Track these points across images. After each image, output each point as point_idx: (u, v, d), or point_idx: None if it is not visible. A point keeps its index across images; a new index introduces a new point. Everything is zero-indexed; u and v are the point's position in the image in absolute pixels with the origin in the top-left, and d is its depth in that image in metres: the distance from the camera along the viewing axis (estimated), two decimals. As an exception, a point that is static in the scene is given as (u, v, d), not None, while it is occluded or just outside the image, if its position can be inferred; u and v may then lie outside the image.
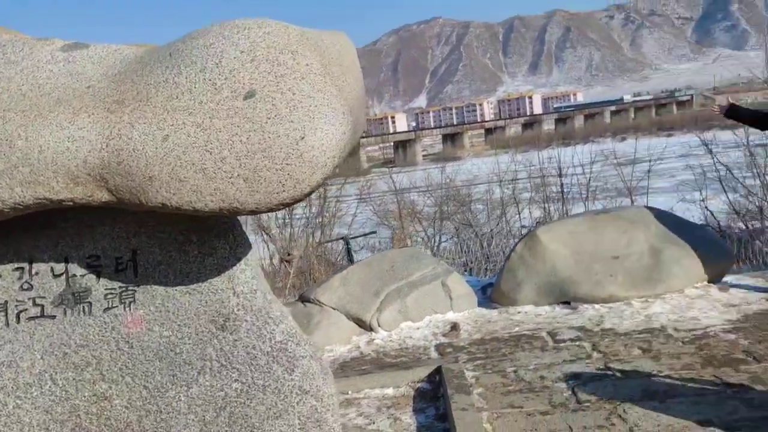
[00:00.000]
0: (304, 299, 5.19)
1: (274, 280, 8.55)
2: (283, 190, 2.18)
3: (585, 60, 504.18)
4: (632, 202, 14.97)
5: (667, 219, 5.53)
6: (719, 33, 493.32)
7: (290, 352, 2.73)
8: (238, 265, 2.70)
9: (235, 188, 2.17)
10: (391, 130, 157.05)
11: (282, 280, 8.26)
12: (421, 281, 5.15)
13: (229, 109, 2.19)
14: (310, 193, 2.26)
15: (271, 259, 11.31)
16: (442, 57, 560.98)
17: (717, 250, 5.42)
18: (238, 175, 2.16)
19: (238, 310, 2.68)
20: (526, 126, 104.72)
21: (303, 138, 2.17)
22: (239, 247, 2.72)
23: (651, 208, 5.81)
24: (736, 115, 5.51)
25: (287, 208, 14.13)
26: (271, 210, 2.27)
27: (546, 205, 15.61)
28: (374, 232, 13.58)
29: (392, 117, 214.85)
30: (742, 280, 5.42)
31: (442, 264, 5.55)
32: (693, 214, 14.82)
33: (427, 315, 5.09)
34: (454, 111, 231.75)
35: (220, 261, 2.67)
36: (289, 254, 8.89)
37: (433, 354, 4.51)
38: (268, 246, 12.51)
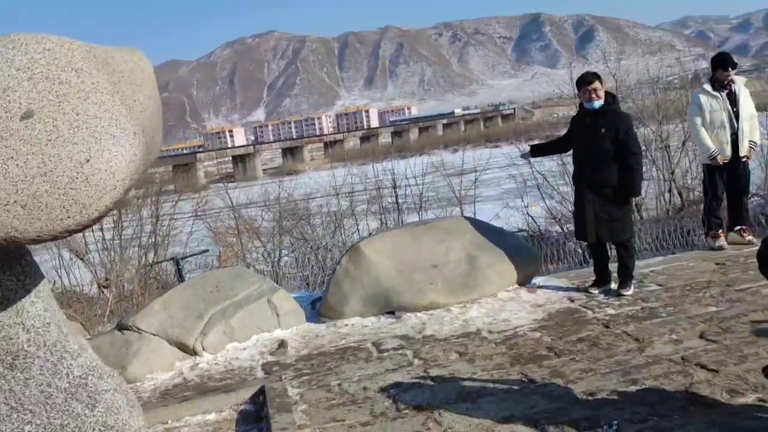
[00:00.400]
0: (122, 327, 4.90)
1: (93, 307, 8.02)
2: (68, 216, 2.05)
3: (418, 75, 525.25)
4: (462, 211, 15.77)
5: (481, 227, 5.89)
6: (535, 52, 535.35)
7: (91, 387, 2.57)
8: (27, 297, 2.50)
9: (11, 216, 2.01)
10: (230, 144, 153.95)
11: (101, 307, 7.76)
12: (247, 300, 5.07)
13: (2, 131, 2.03)
14: (99, 218, 2.15)
15: (93, 285, 10.60)
16: (279, 71, 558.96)
17: (526, 254, 5.85)
18: (14, 202, 2.00)
19: (29, 346, 2.48)
20: (364, 139, 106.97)
21: (88, 161, 2.06)
22: (28, 279, 2.52)
23: (467, 218, 6.18)
24: (540, 152, 6.11)
25: (116, 228, 13.31)
26: (55, 238, 2.13)
27: (382, 216, 16.04)
28: (207, 251, 13.17)
29: (230, 131, 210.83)
30: (548, 282, 5.89)
31: (268, 281, 5.50)
32: (516, 219, 15.91)
33: (254, 334, 5.01)
34: (293, 125, 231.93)
35: (6, 294, 2.46)
36: (106, 279, 8.36)
37: (260, 374, 4.45)
38: (96, 271, 11.74)
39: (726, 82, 6.25)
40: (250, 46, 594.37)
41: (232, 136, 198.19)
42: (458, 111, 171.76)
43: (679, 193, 13.43)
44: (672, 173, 13.58)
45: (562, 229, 13.53)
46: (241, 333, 4.95)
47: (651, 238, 10.49)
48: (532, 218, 14.70)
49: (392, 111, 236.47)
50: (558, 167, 13.95)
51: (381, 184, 17.20)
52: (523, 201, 15.36)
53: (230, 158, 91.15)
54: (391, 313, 5.27)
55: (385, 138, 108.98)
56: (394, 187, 16.57)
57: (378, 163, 21.59)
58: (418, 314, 5.16)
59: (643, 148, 14.34)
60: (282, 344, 4.88)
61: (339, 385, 4.05)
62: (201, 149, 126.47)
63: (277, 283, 11.53)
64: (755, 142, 6.35)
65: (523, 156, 6.34)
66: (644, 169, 14.15)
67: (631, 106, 16.99)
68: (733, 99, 6.22)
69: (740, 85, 6.30)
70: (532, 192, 15.15)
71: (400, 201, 16.47)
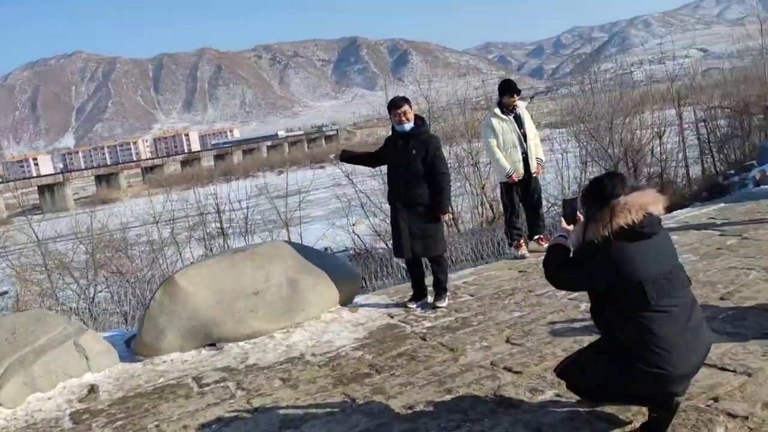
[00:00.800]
0: None
1: None
2: None
3: (238, 97, 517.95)
4: (288, 233, 15.73)
5: (302, 250, 5.90)
6: (354, 75, 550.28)
7: None
8: None
9: None
10: (35, 173, 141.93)
11: None
12: (50, 345, 4.64)
13: None
14: None
15: None
16: (88, 94, 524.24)
17: (347, 274, 5.94)
18: None
19: None
20: (186, 163, 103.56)
21: None
22: None
23: (287, 242, 6.17)
24: (349, 159, 6.28)
25: None
26: None
27: (207, 243, 15.55)
28: (6, 292, 11.97)
29: (34, 159, 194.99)
30: (369, 300, 6.04)
31: (74, 322, 5.09)
32: (343, 238, 16.17)
33: (59, 381, 4.60)
34: (107, 150, 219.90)
35: None
36: None
37: (68, 424, 4.09)
38: None
39: (512, 107, 6.89)
40: (53, 67, 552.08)
41: (36, 164, 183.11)
42: (282, 133, 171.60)
43: (490, 206, 14.42)
44: (482, 188, 14.55)
45: (386, 245, 13.94)
46: (44, 381, 4.52)
47: (468, 250, 11.15)
48: (358, 236, 15.03)
49: (214, 134, 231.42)
50: (380, 186, 14.43)
51: (204, 209, 16.73)
52: (348, 220, 15.69)
53: (36, 188, 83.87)
54: (213, 345, 5.11)
55: (207, 161, 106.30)
56: (218, 212, 16.19)
57: (201, 187, 21.02)
58: (241, 344, 5.05)
59: (456, 165, 15.31)
60: (93, 389, 4.54)
61: (157, 426, 3.84)
62: (0, 180, 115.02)
63: (93, 321, 10.76)
64: (541, 159, 7.09)
65: (335, 157, 6.47)
66: (458, 184, 15.06)
67: (443, 125, 17.99)
68: (519, 121, 6.88)
69: (523, 108, 6.98)
70: (357, 210, 15.52)
71: (225, 226, 16.10)
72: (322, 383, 4.17)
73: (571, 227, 3.10)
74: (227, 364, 4.76)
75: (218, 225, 16.10)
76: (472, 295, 5.77)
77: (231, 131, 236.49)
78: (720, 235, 6.70)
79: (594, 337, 3.61)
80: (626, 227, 2.73)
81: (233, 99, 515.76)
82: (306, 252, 5.86)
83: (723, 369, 3.48)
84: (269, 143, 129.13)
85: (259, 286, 5.29)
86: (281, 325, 5.21)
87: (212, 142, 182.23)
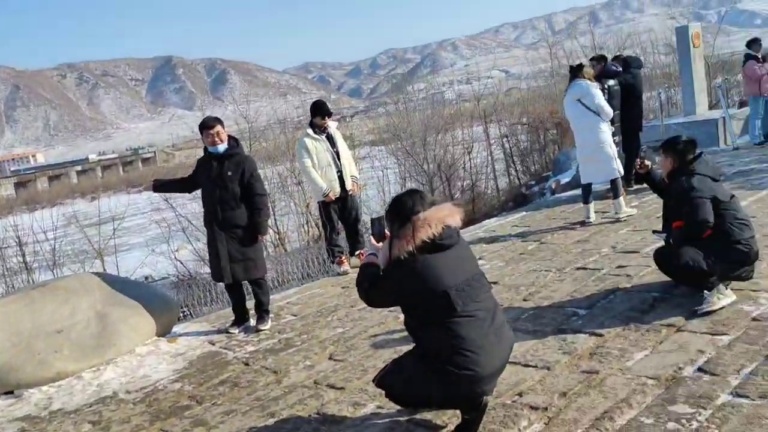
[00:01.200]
0: None
1: None
2: None
3: (41, 119, 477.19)
4: (103, 263, 14.71)
5: (112, 281, 5.53)
6: (170, 94, 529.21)
7: None
8: None
9: None
10: None
11: None
12: None
13: None
14: None
15: None
16: None
17: (163, 303, 5.66)
18: None
19: None
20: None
21: None
22: None
23: (95, 273, 5.75)
24: (162, 188, 6.03)
25: None
26: None
27: (8, 279, 14.13)
28: None
29: None
30: (189, 329, 5.79)
31: None
32: (165, 265, 15.43)
33: None
34: None
35: None
36: None
37: None
38: None
39: (324, 127, 7.04)
40: None
41: None
42: (93, 156, 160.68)
43: (316, 224, 14.53)
44: (308, 206, 14.64)
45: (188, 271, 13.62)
46: None
47: (295, 269, 11.11)
48: (181, 262, 14.44)
49: (14, 159, 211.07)
50: (202, 209, 13.99)
51: (3, 242, 15.21)
52: (170, 246, 15.01)
53: None
54: (10, 392, 4.61)
55: (6, 190, 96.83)
56: (20, 244, 14.80)
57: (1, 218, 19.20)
58: (44, 388, 4.60)
59: (280, 184, 15.25)
60: None
61: (-60, 493, 3.39)
62: None
63: None
64: (356, 176, 7.30)
65: (147, 189, 6.22)
66: (283, 203, 14.98)
67: (264, 145, 17.87)
68: (331, 141, 7.04)
69: (334, 128, 7.16)
70: (179, 235, 14.91)
71: (29, 260, 14.75)
72: (137, 421, 3.92)
73: (380, 245, 3.19)
74: (27, 412, 4.32)
75: (21, 259, 14.71)
76: (295, 315, 5.74)
77: (34, 156, 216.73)
78: (522, 241, 7.25)
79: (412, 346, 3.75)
80: (428, 240, 2.87)
81: (35, 121, 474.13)
82: (117, 283, 5.50)
83: (526, 365, 3.75)
84: (79, 168, 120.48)
85: (64, 322, 4.87)
86: (91, 363, 4.83)
87: (12, 169, 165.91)
